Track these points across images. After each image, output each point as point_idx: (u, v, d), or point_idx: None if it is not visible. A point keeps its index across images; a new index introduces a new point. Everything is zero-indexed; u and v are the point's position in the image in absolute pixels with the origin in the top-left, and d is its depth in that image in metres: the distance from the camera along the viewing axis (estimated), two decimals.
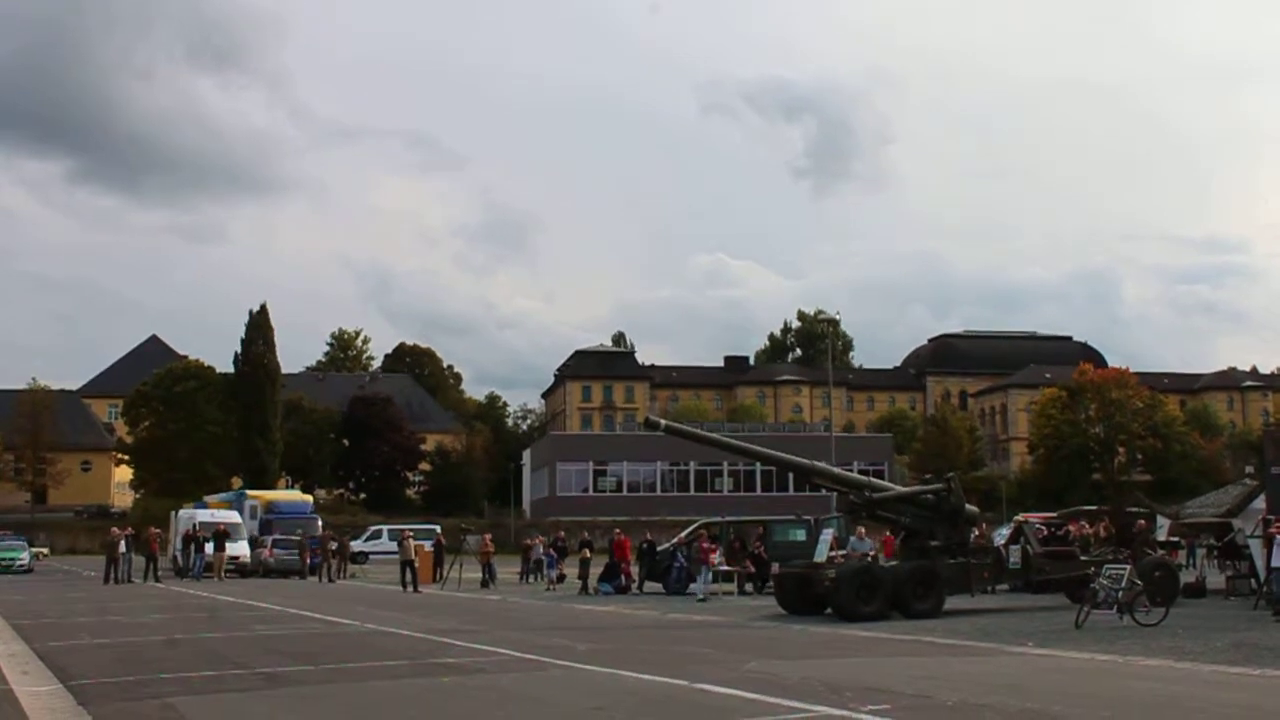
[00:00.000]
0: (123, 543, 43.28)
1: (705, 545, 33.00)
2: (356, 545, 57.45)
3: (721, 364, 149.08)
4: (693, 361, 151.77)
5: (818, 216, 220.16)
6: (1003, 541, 29.71)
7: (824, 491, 34.29)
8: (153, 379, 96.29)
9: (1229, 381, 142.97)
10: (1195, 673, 15.01)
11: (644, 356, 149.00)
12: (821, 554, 29.03)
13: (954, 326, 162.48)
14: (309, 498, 67.81)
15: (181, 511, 54.96)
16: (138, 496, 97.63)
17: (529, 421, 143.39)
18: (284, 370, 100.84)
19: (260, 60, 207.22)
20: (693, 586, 32.39)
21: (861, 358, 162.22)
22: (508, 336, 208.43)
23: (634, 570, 37.01)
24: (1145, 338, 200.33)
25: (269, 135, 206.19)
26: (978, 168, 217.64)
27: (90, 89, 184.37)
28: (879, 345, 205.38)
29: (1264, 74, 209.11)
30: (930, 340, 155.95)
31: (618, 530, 41.93)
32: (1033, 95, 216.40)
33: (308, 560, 46.77)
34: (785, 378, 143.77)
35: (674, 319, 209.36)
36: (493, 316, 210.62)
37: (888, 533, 31.34)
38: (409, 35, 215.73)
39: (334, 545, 46.81)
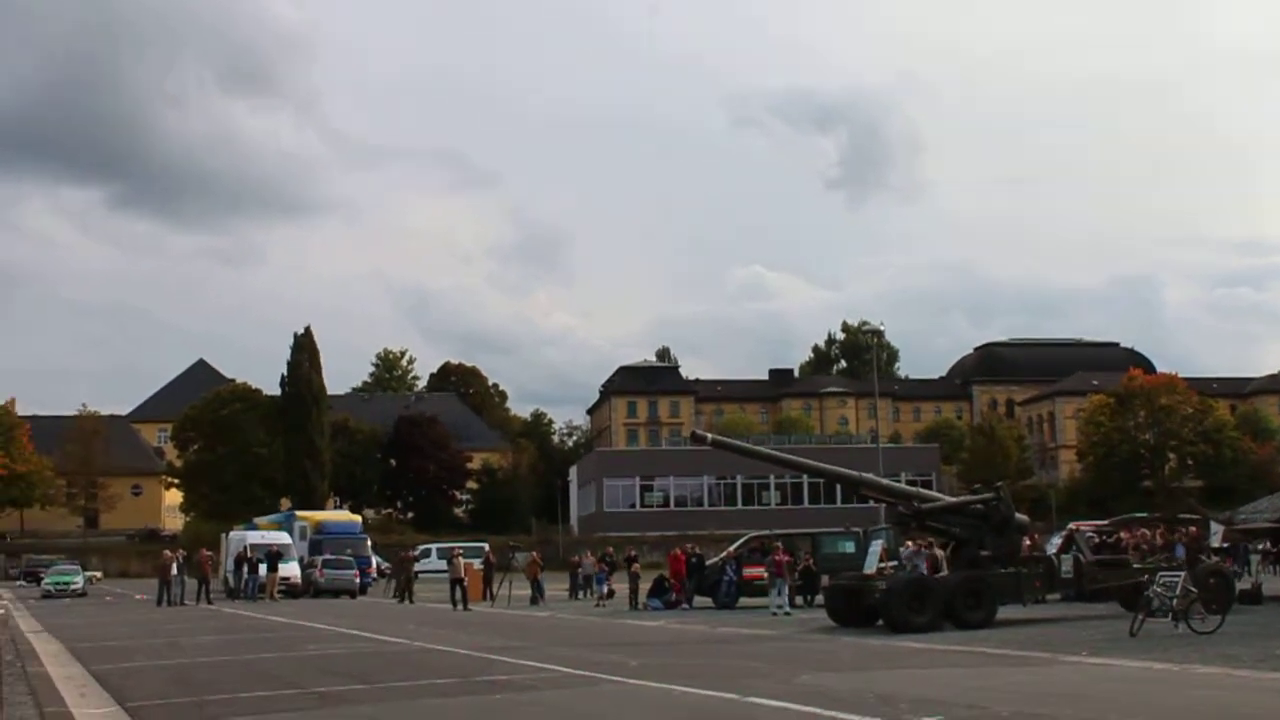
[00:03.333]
0: (175, 565, 43.58)
1: (780, 558, 31.67)
2: None
3: (765, 377, 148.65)
4: (733, 374, 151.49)
5: (853, 226, 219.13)
6: (1054, 550, 29.48)
7: (872, 503, 34.16)
8: (200, 403, 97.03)
9: None
10: (1253, 680, 14.84)
11: (684, 370, 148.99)
12: (871, 565, 28.90)
13: (994, 335, 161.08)
14: (358, 518, 68.03)
15: (232, 533, 55.30)
16: (188, 519, 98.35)
17: (574, 438, 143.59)
18: (330, 391, 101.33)
19: (290, 83, 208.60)
20: (772, 602, 31.10)
21: (906, 368, 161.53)
22: (547, 353, 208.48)
23: (683, 585, 36.76)
24: (1190, 342, 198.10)
25: (301, 157, 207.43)
26: (1012, 172, 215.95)
27: (124, 117, 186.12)
28: (920, 354, 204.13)
29: None
30: (976, 349, 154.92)
31: (690, 544, 40.85)
32: (1065, 95, 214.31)
33: (403, 578, 45.33)
34: (830, 389, 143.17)
35: (712, 332, 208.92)
36: (531, 333, 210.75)
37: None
38: (437, 54, 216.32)
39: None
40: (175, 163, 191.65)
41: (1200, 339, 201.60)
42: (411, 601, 43.30)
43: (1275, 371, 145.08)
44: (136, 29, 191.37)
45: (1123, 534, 32.41)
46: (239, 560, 47.62)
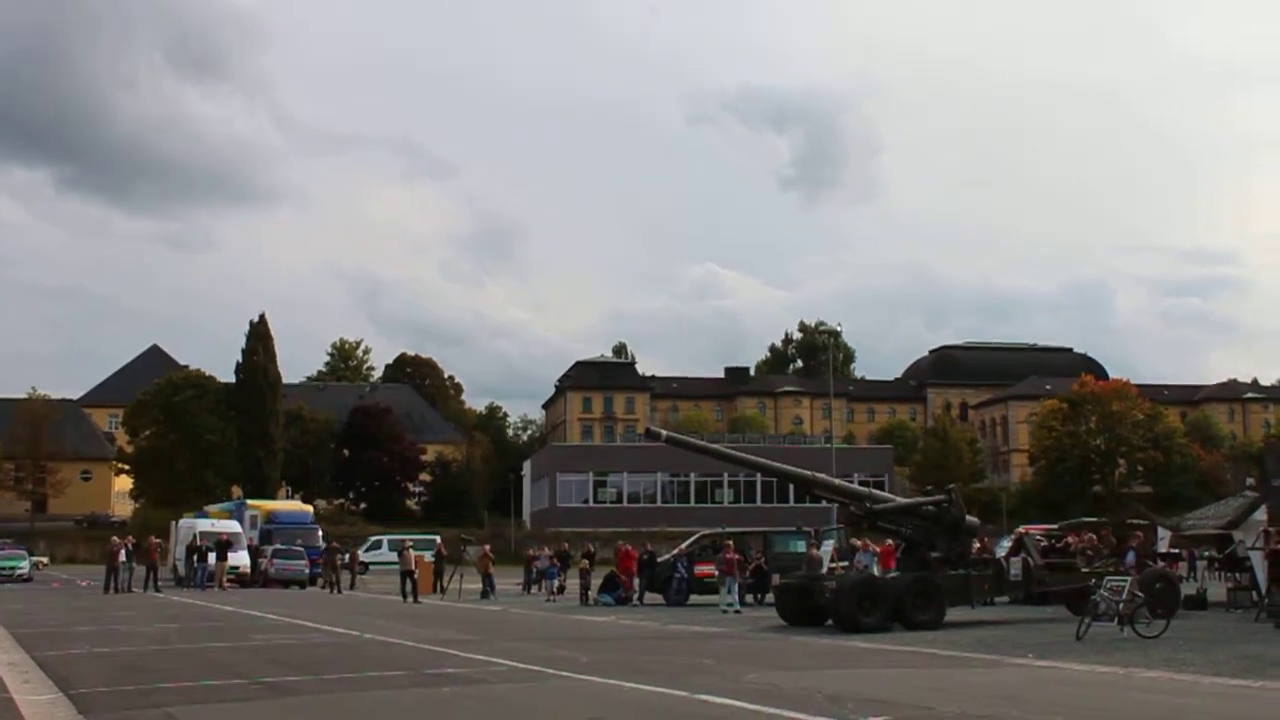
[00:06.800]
0: (123, 552, 43.23)
1: (730, 556, 31.54)
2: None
3: (722, 375, 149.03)
4: (687, 371, 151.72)
5: (808, 226, 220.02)
6: (1004, 553, 29.68)
7: (825, 503, 34.26)
8: (153, 389, 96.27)
9: (1230, 393, 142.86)
10: (1196, 684, 15.00)
11: (640, 367, 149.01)
12: (822, 565, 28.99)
13: (948, 337, 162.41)
14: (309, 508, 67.61)
15: (182, 521, 54.92)
16: (138, 506, 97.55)
17: (529, 432, 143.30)
18: (284, 380, 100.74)
19: (243, 68, 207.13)
20: (722, 600, 31.06)
21: (861, 369, 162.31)
22: (502, 346, 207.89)
23: (634, 581, 36.78)
24: (1138, 349, 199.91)
25: (254, 143, 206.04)
26: (968, 176, 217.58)
27: (75, 97, 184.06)
28: (875, 356, 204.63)
29: (1256, 81, 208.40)
30: (930, 351, 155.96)
31: (622, 543, 41.76)
32: (1021, 101, 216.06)
33: (330, 569, 45.95)
34: (786, 389, 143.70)
35: (666, 329, 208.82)
36: (486, 326, 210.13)
37: (888, 542, 31.31)
38: (394, 41, 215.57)
39: (343, 558, 46.78)
40: (126, 146, 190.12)
41: (1150, 346, 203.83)
42: (340, 591, 43.30)
43: (1224, 380, 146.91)
44: (89, 8, 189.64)
45: (1071, 538, 32.63)
46: (189, 549, 47.29)
